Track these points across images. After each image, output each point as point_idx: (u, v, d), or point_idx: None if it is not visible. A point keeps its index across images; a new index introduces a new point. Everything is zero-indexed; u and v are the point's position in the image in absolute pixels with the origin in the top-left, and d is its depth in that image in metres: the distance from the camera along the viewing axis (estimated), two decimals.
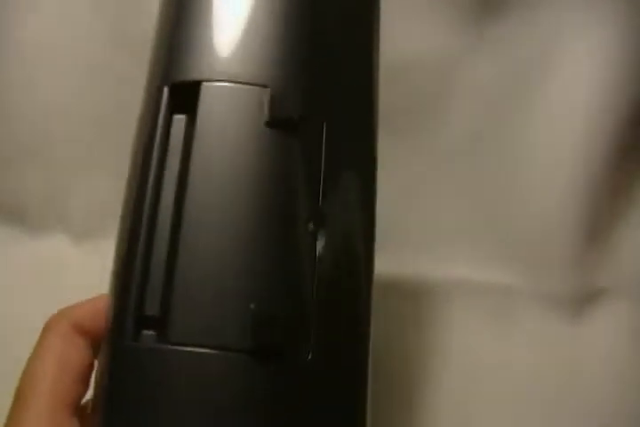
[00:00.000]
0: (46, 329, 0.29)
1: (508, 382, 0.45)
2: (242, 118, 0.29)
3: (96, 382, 0.28)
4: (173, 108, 0.30)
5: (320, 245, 0.29)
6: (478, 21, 0.48)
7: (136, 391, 0.27)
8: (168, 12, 0.32)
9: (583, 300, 0.48)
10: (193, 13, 0.31)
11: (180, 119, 0.30)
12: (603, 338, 0.47)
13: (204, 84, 0.30)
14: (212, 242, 0.28)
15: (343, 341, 0.29)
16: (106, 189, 0.45)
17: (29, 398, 0.28)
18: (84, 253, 0.47)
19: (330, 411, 0.28)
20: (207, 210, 0.28)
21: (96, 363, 0.29)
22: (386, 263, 0.48)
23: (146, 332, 0.28)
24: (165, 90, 0.30)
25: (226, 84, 0.30)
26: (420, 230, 0.48)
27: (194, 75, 0.30)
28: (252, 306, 0.27)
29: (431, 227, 0.48)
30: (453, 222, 0.48)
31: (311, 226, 0.29)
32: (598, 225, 0.48)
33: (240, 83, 0.30)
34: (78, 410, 0.29)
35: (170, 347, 0.27)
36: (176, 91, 0.30)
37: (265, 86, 0.30)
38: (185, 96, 0.30)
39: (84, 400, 0.29)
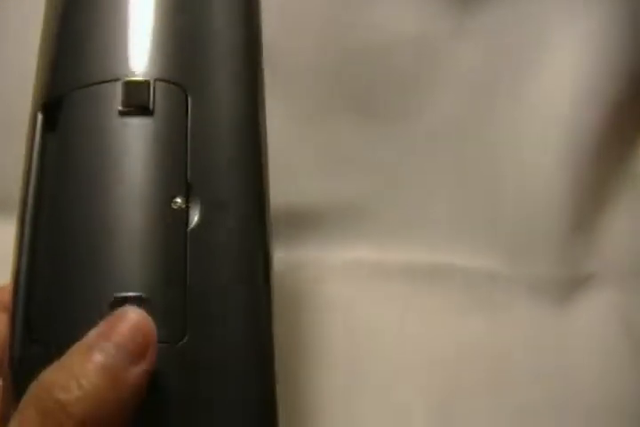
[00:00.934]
0: None
1: (493, 369, 0.46)
2: (99, 115, 0.31)
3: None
4: (47, 128, 0.32)
5: (193, 222, 0.29)
6: (463, 5, 0.48)
7: None
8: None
9: (569, 286, 0.49)
10: (48, 34, 0.34)
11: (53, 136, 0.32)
12: (590, 324, 0.48)
13: (66, 96, 0.31)
14: (78, 239, 0.29)
15: (224, 325, 0.29)
16: None
17: None
18: None
19: (217, 394, 0.28)
20: (73, 210, 0.29)
21: None
22: (368, 249, 0.48)
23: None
24: (39, 115, 0.32)
25: (82, 89, 0.31)
26: (402, 216, 0.49)
27: (56, 92, 0.32)
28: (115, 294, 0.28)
29: (414, 213, 0.49)
30: (437, 208, 0.49)
31: (179, 202, 0.29)
32: (584, 211, 0.49)
33: (94, 84, 0.31)
34: None
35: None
36: (47, 110, 0.32)
37: (117, 79, 0.31)
38: (55, 113, 0.31)
39: None
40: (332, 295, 0.46)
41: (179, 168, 0.31)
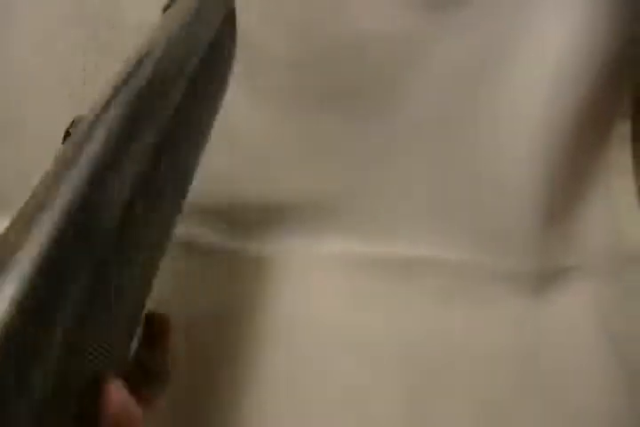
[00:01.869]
0: None
1: (471, 357, 0.45)
2: None
3: None
4: None
5: None
6: None
7: None
8: None
9: (546, 277, 0.48)
10: None
11: None
12: (567, 316, 0.47)
13: None
14: None
15: None
16: None
17: None
18: None
19: None
20: None
21: None
22: (347, 241, 0.48)
23: None
24: None
25: None
26: (380, 208, 0.49)
27: None
28: None
29: (393, 206, 0.49)
30: (416, 201, 0.49)
31: None
32: (561, 203, 0.48)
33: None
34: None
35: None
36: None
37: None
38: None
39: None
40: (310, 286, 0.46)
41: None
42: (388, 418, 0.42)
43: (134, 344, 0.30)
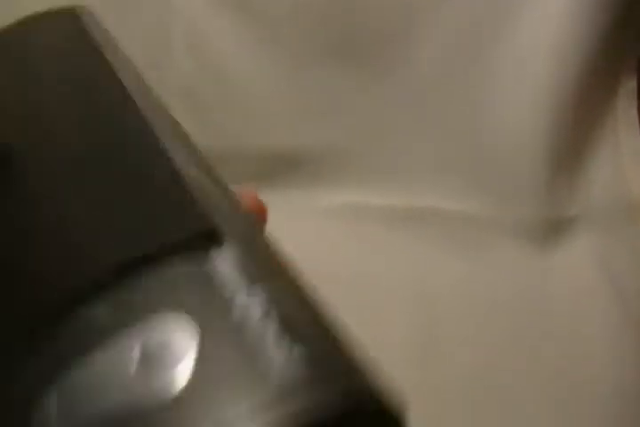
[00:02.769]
0: None
1: (474, 306, 0.45)
2: None
3: None
4: None
5: None
6: None
7: None
8: None
9: (551, 229, 0.48)
10: None
11: None
12: (571, 267, 0.47)
13: None
14: None
15: None
16: None
17: None
18: None
19: None
20: None
21: None
22: (351, 192, 0.49)
23: None
24: None
25: None
26: (387, 161, 0.49)
27: None
28: None
29: (399, 157, 0.49)
30: (422, 153, 0.49)
31: None
32: (567, 156, 0.48)
33: None
34: None
35: None
36: None
37: None
38: None
39: None
40: (314, 236, 0.46)
41: None
42: (390, 362, 0.43)
43: None
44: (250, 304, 0.19)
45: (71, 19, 0.29)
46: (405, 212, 0.48)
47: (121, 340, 0.18)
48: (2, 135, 0.25)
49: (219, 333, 0.19)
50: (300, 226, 0.45)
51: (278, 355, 0.18)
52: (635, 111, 0.50)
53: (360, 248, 0.47)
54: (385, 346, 0.44)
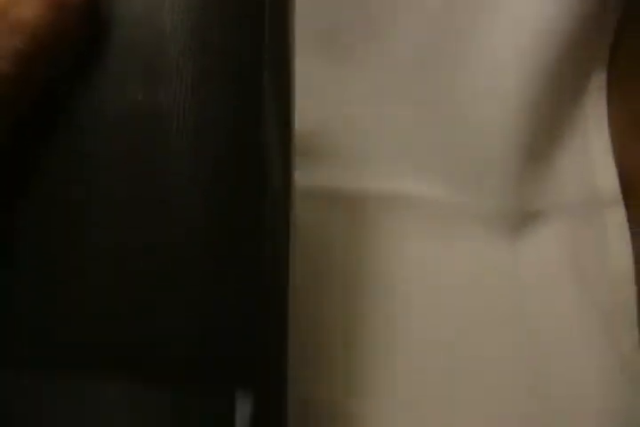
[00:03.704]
0: None
1: (444, 301, 0.46)
2: None
3: None
4: None
5: None
6: None
7: None
8: None
9: (524, 219, 0.49)
10: None
11: None
12: (539, 259, 0.48)
13: None
14: None
15: None
16: None
17: None
18: None
19: None
20: None
21: None
22: (327, 178, 0.49)
23: None
24: None
25: None
26: (360, 145, 0.49)
27: None
28: None
29: (372, 141, 0.49)
30: (395, 137, 0.49)
31: None
32: (540, 144, 0.49)
33: None
34: None
35: None
36: None
37: None
38: None
39: None
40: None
41: None
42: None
43: None
44: None
45: None
46: (377, 197, 0.48)
47: None
48: None
49: None
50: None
51: None
52: (604, 104, 0.51)
53: (329, 232, 0.47)
54: (354, 331, 0.46)
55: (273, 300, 0.27)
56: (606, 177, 0.50)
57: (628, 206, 0.50)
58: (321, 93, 0.48)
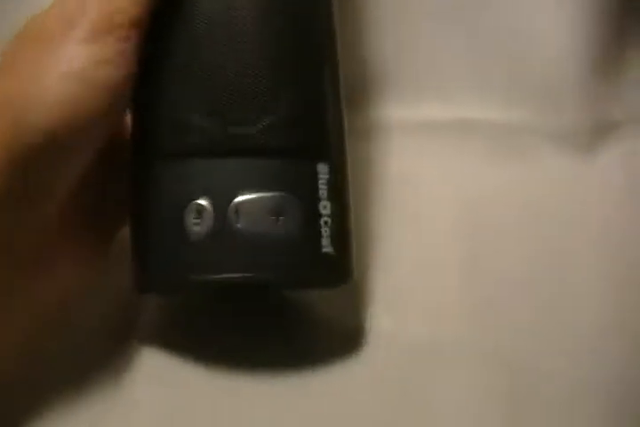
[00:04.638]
0: None
1: (521, 215, 0.46)
2: None
3: None
4: None
5: None
6: None
7: None
8: None
9: (597, 134, 0.48)
10: None
11: None
12: (616, 174, 0.47)
13: None
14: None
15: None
16: None
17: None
18: None
19: None
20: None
21: None
22: (395, 108, 0.48)
23: None
24: None
25: None
26: (424, 72, 0.49)
27: None
28: None
29: (437, 71, 0.49)
30: (460, 65, 0.49)
31: None
32: (609, 60, 0.48)
33: None
34: None
35: None
36: None
37: None
38: None
39: None
40: (365, 152, 0.47)
41: None
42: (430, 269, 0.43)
43: None
44: None
45: None
46: (446, 124, 0.49)
47: None
48: None
49: None
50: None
51: None
52: None
53: (403, 160, 0.48)
54: (427, 253, 0.43)
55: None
56: None
57: None
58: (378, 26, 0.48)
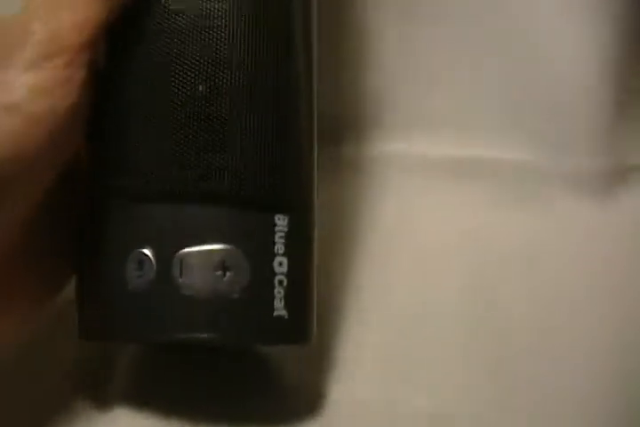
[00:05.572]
0: None
1: (531, 258, 0.44)
2: None
3: None
4: None
5: None
6: None
7: None
8: None
9: (613, 178, 0.46)
10: None
11: None
12: (630, 219, 0.45)
13: None
14: None
15: None
16: None
17: None
18: None
19: None
20: None
21: None
22: (411, 144, 0.48)
23: None
24: None
25: None
26: (443, 112, 0.47)
27: None
28: None
29: (455, 109, 0.47)
30: (478, 103, 0.47)
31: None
32: (628, 101, 0.46)
33: None
34: None
35: None
36: None
37: None
38: None
39: None
40: (370, 186, 0.46)
41: None
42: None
43: None
44: None
45: None
46: (461, 163, 0.46)
47: None
48: None
49: None
50: (353, 177, 0.45)
51: None
52: None
53: (416, 199, 0.46)
54: (439, 298, 0.42)
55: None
56: None
57: None
58: (394, 55, 0.46)
